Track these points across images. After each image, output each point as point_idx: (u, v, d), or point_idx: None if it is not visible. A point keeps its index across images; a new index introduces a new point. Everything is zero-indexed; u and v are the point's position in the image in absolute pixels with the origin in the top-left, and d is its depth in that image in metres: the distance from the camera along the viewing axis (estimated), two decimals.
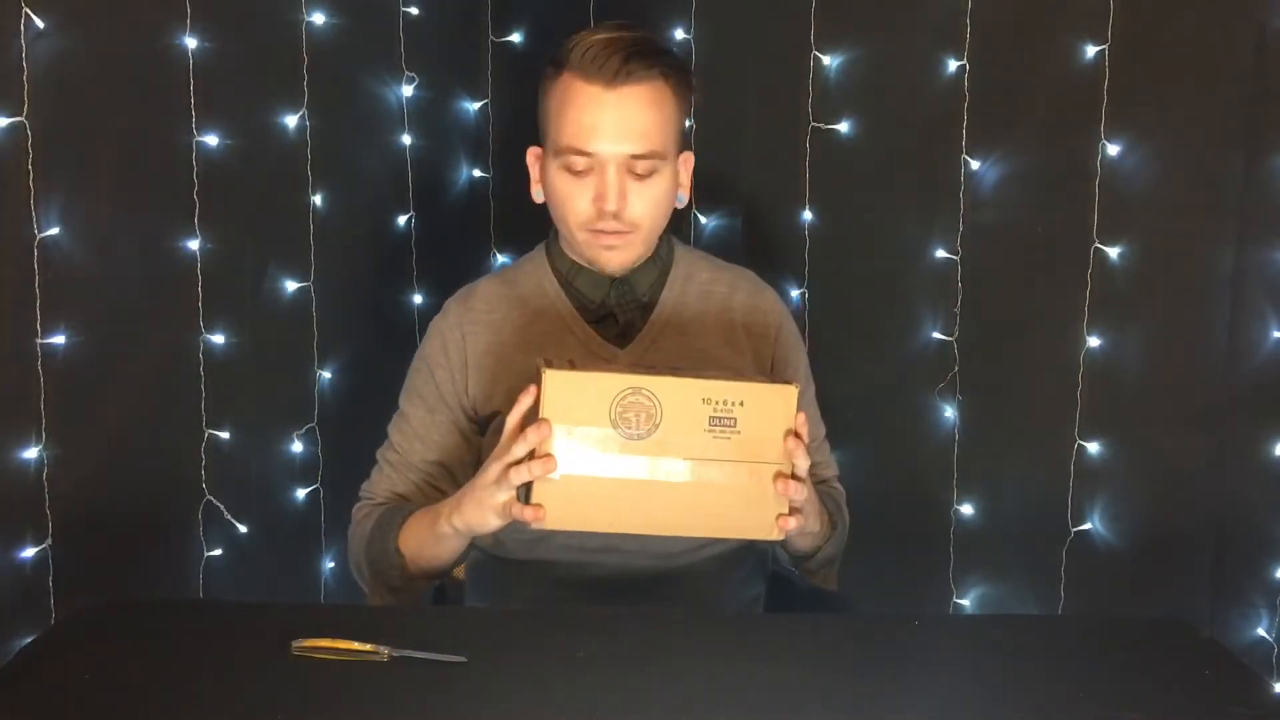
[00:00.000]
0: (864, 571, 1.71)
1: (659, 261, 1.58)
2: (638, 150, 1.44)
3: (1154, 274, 2.01)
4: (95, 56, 1.60)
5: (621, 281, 1.55)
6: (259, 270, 1.92)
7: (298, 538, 2.04)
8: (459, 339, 1.55)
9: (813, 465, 1.58)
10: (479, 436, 1.55)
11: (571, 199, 1.47)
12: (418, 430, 1.55)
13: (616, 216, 1.46)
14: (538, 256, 1.61)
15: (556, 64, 1.47)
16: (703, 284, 1.60)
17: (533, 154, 1.54)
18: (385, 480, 1.57)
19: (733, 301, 1.60)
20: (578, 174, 1.46)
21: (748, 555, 1.61)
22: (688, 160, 1.55)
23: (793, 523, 1.31)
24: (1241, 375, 1.99)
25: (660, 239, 1.57)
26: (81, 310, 1.59)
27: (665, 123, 1.46)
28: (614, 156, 1.44)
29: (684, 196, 1.56)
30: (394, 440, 1.58)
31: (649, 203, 1.48)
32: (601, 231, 1.48)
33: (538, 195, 1.54)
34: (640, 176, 1.46)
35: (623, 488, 1.28)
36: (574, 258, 1.56)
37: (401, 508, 1.52)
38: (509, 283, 1.59)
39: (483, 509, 1.34)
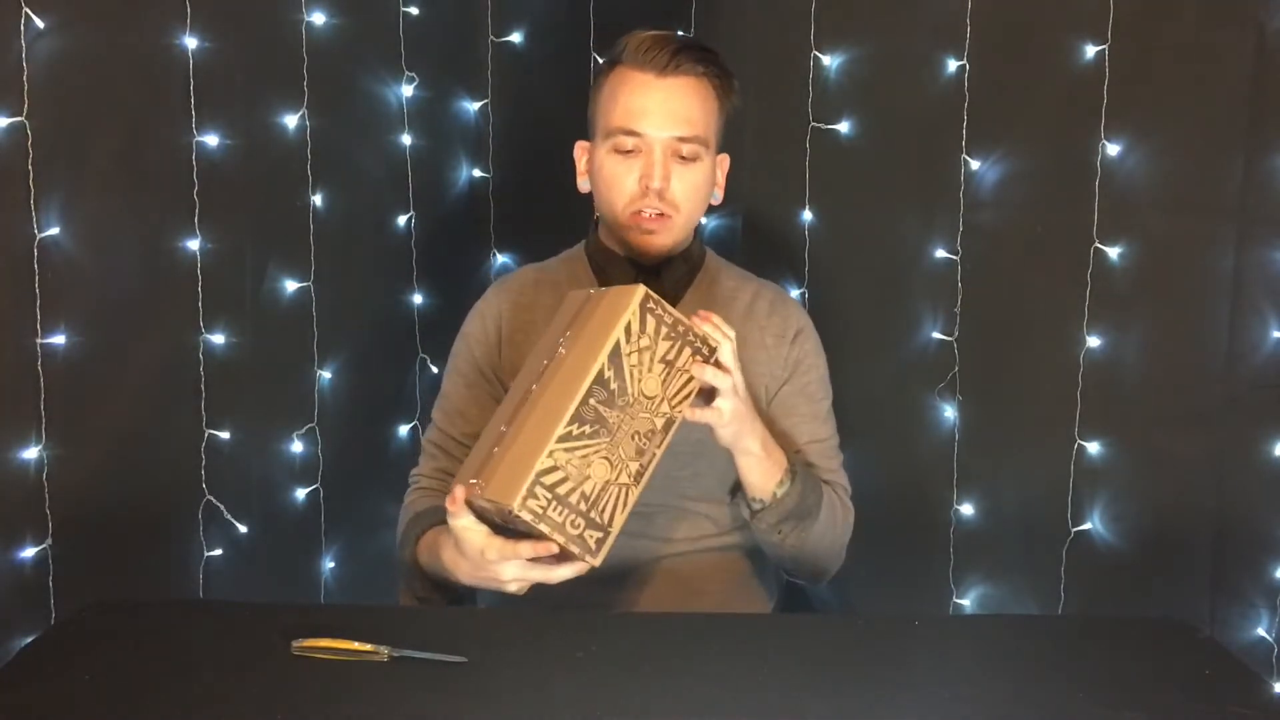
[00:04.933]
0: (864, 571, 1.71)
1: (689, 260, 1.63)
2: (683, 133, 1.53)
3: (1154, 274, 2.01)
4: (95, 56, 1.60)
5: (651, 272, 1.60)
6: (259, 270, 1.92)
7: (298, 538, 2.04)
8: (496, 314, 1.64)
9: (816, 469, 1.59)
10: None
11: (618, 179, 1.55)
12: (458, 406, 1.62)
13: (660, 196, 1.53)
14: (575, 249, 1.69)
15: (610, 61, 1.57)
16: (728, 289, 1.65)
17: (580, 147, 1.63)
18: (431, 461, 1.63)
19: (756, 306, 1.64)
20: (626, 154, 1.54)
21: (756, 560, 1.62)
22: (724, 162, 1.64)
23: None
24: (1241, 375, 1.98)
25: (694, 239, 1.64)
26: (81, 310, 1.59)
27: (708, 115, 1.56)
28: (661, 138, 1.53)
29: (719, 195, 1.64)
30: (436, 421, 1.64)
31: (690, 187, 1.55)
32: (642, 215, 1.54)
33: (583, 186, 1.63)
34: (684, 160, 1.54)
35: None
36: (610, 246, 1.62)
37: (420, 518, 1.54)
38: (547, 269, 1.69)
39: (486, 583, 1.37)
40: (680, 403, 1.29)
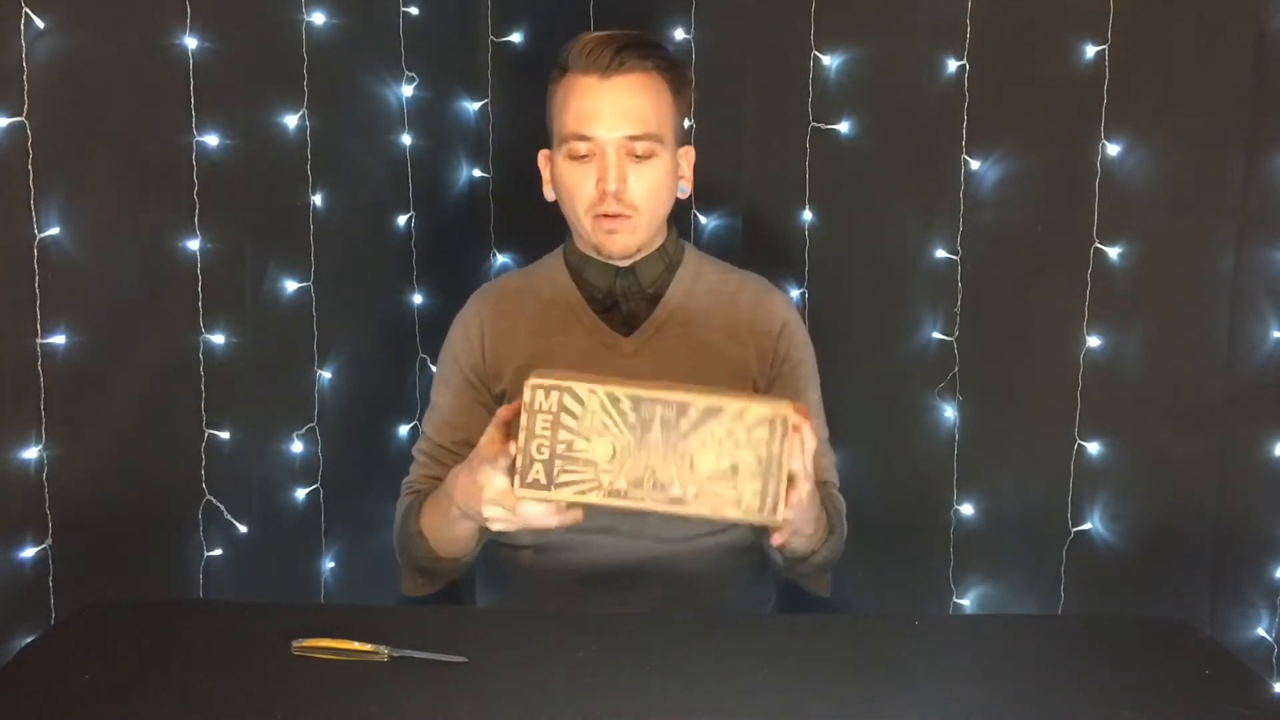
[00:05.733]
0: (864, 571, 1.71)
1: (666, 256, 1.64)
2: (634, 132, 1.53)
3: (1154, 274, 2.01)
4: (95, 56, 1.60)
5: (628, 271, 1.62)
6: (259, 270, 1.91)
7: (298, 538, 2.04)
8: (479, 323, 1.64)
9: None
10: None
11: (576, 185, 1.56)
12: (447, 416, 1.62)
13: (618, 197, 1.54)
14: (554, 254, 1.70)
15: (559, 67, 1.58)
16: (711, 284, 1.66)
17: (543, 156, 1.64)
18: (421, 469, 1.63)
19: (739, 300, 1.64)
20: (581, 159, 1.55)
21: (752, 557, 1.62)
22: (688, 153, 1.64)
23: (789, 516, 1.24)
24: (1241, 375, 1.99)
25: (668, 236, 1.65)
26: (81, 310, 1.59)
27: (660, 109, 1.56)
28: (612, 139, 1.53)
29: (686, 188, 1.64)
30: (426, 431, 1.65)
31: (648, 184, 1.56)
32: (605, 215, 1.55)
33: (549, 194, 1.63)
34: (639, 159, 1.54)
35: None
36: (584, 250, 1.64)
37: (425, 492, 1.56)
38: (527, 276, 1.70)
39: (472, 499, 1.33)
40: (705, 503, 1.14)
